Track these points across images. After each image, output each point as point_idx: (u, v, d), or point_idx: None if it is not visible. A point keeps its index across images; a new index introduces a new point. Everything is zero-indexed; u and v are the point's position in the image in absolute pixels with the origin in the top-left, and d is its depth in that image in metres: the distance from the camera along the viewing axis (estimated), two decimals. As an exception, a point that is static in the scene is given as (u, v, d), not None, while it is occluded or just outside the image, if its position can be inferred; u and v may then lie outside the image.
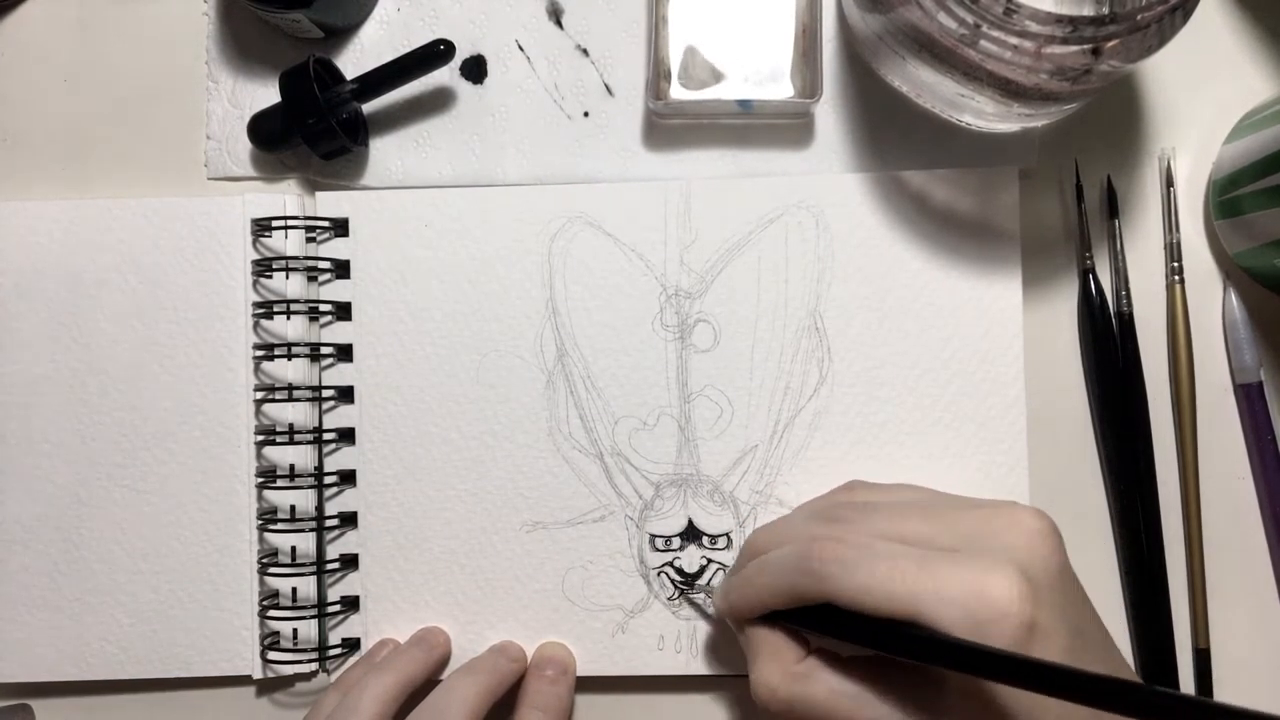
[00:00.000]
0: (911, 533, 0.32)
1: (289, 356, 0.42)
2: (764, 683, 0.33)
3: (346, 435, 0.42)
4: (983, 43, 0.33)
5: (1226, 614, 0.41)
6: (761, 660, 0.34)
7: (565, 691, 0.40)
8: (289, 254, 0.42)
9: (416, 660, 0.40)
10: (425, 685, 0.39)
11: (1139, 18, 0.32)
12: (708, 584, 0.41)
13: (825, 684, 0.32)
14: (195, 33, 0.44)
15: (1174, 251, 0.42)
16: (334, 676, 0.42)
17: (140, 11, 0.45)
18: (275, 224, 0.42)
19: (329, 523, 0.42)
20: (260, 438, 0.42)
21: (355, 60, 0.43)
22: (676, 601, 0.41)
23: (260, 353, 0.42)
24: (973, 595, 0.29)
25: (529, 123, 0.43)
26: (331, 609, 0.42)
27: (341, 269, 0.43)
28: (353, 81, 0.42)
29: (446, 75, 0.43)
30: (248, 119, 0.43)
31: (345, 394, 0.42)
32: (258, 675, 0.42)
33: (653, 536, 0.42)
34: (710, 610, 0.41)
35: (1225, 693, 0.41)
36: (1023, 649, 0.28)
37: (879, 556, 0.30)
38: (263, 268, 0.42)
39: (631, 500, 0.42)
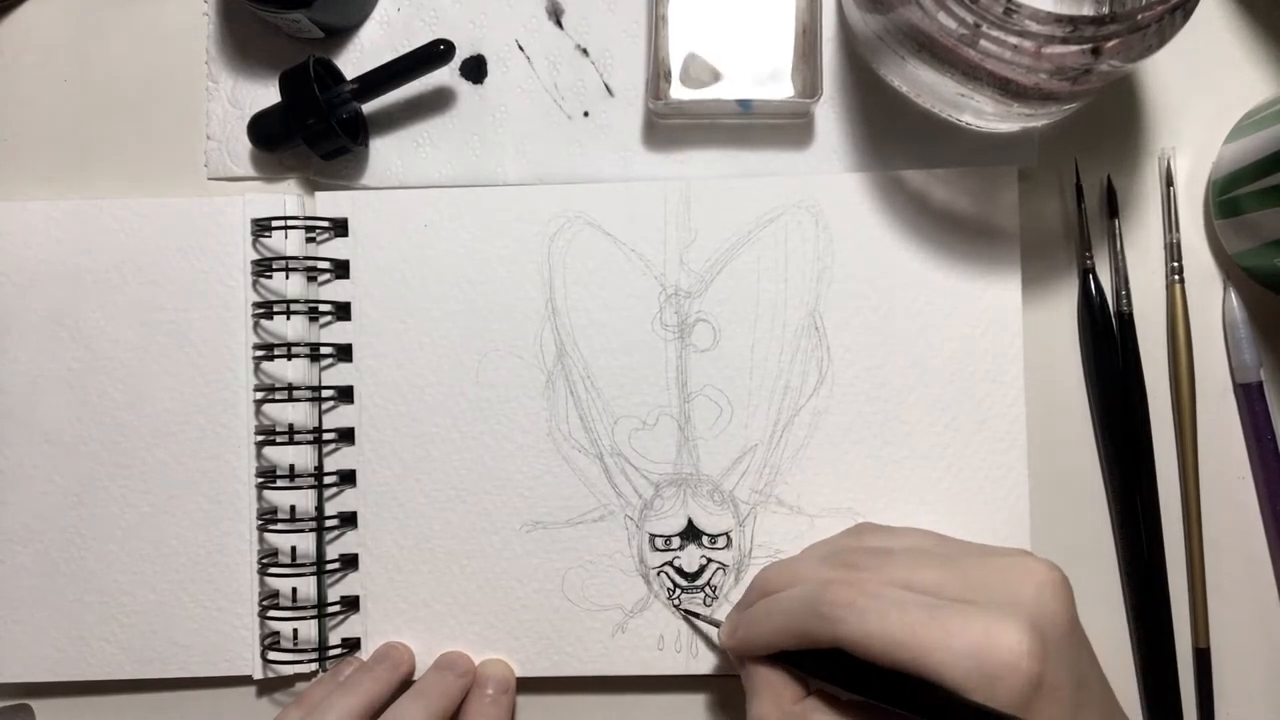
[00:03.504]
0: (924, 581, 0.32)
1: (289, 356, 0.42)
2: (758, 718, 0.34)
3: (346, 435, 0.42)
4: (983, 43, 0.33)
5: (1226, 614, 0.41)
6: (761, 698, 0.34)
7: (505, 711, 0.41)
8: (289, 254, 0.42)
9: (381, 680, 0.40)
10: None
11: (1139, 18, 0.32)
12: (706, 584, 0.41)
13: None
14: (195, 33, 0.44)
15: (1174, 251, 0.42)
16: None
17: (140, 11, 0.45)
18: (275, 224, 0.42)
19: (329, 523, 0.42)
20: (260, 438, 0.42)
21: (355, 60, 0.43)
22: (676, 603, 0.41)
23: (260, 353, 0.42)
24: (982, 648, 0.29)
25: (529, 123, 0.43)
26: (331, 609, 0.42)
27: (341, 269, 0.43)
28: (353, 81, 0.42)
29: (446, 75, 0.43)
30: (248, 119, 0.43)
31: (345, 394, 0.42)
32: (258, 675, 0.42)
33: (652, 536, 0.42)
34: (706, 631, 0.41)
35: (1225, 692, 0.41)
36: (1028, 704, 0.28)
37: (890, 604, 0.31)
38: (263, 268, 0.42)
39: (631, 500, 0.42)
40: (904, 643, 0.30)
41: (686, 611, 0.41)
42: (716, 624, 0.40)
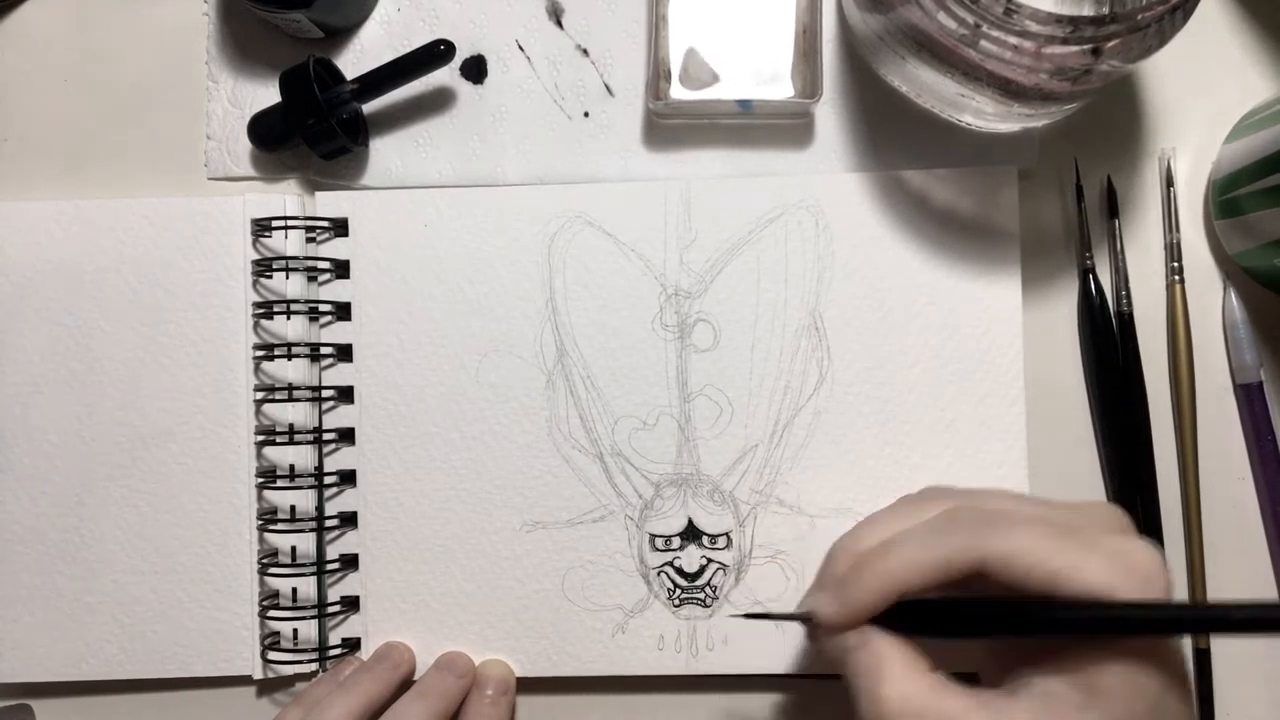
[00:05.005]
0: (1036, 512, 0.31)
1: (289, 356, 0.42)
2: (900, 695, 0.29)
3: (346, 435, 0.42)
4: (983, 43, 0.33)
5: (1226, 614, 0.41)
6: (890, 673, 0.30)
7: (505, 711, 0.41)
8: (289, 254, 0.42)
9: (381, 679, 0.40)
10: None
11: (1139, 18, 0.32)
12: (708, 583, 0.41)
13: (964, 695, 0.29)
14: (195, 33, 0.44)
15: (1174, 251, 0.42)
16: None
17: (140, 11, 0.45)
18: (275, 224, 0.42)
19: (329, 523, 0.42)
20: (260, 438, 0.42)
21: (355, 60, 0.43)
22: (677, 602, 0.41)
23: (260, 353, 0.42)
24: (1126, 554, 0.29)
25: (529, 123, 0.43)
26: (331, 609, 0.42)
27: (341, 269, 0.43)
28: (353, 81, 0.42)
29: (446, 75, 0.43)
30: (248, 119, 0.43)
31: (345, 394, 0.42)
32: (258, 675, 0.42)
33: (653, 536, 0.42)
34: (784, 626, 0.40)
35: (1225, 693, 0.41)
36: None
37: (1026, 520, 0.30)
38: (263, 268, 0.42)
39: (631, 500, 0.42)
40: (1053, 552, 0.29)
41: (752, 616, 0.38)
42: (796, 617, 0.34)
